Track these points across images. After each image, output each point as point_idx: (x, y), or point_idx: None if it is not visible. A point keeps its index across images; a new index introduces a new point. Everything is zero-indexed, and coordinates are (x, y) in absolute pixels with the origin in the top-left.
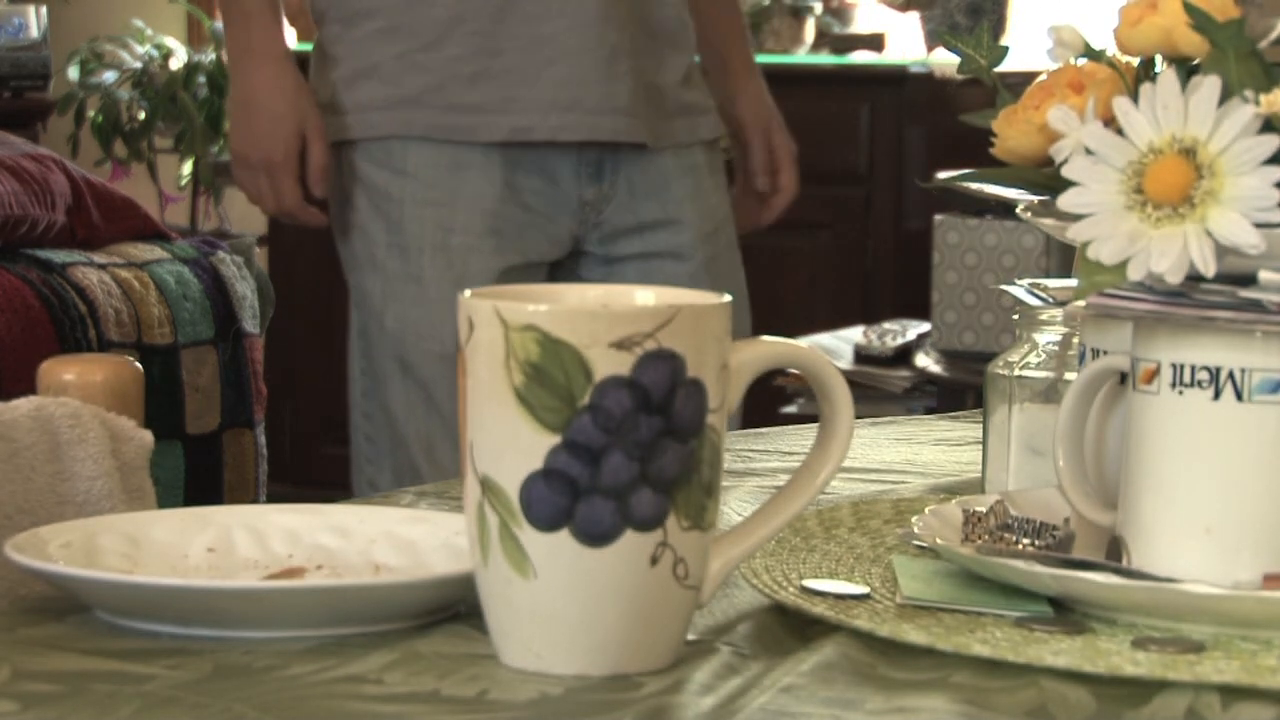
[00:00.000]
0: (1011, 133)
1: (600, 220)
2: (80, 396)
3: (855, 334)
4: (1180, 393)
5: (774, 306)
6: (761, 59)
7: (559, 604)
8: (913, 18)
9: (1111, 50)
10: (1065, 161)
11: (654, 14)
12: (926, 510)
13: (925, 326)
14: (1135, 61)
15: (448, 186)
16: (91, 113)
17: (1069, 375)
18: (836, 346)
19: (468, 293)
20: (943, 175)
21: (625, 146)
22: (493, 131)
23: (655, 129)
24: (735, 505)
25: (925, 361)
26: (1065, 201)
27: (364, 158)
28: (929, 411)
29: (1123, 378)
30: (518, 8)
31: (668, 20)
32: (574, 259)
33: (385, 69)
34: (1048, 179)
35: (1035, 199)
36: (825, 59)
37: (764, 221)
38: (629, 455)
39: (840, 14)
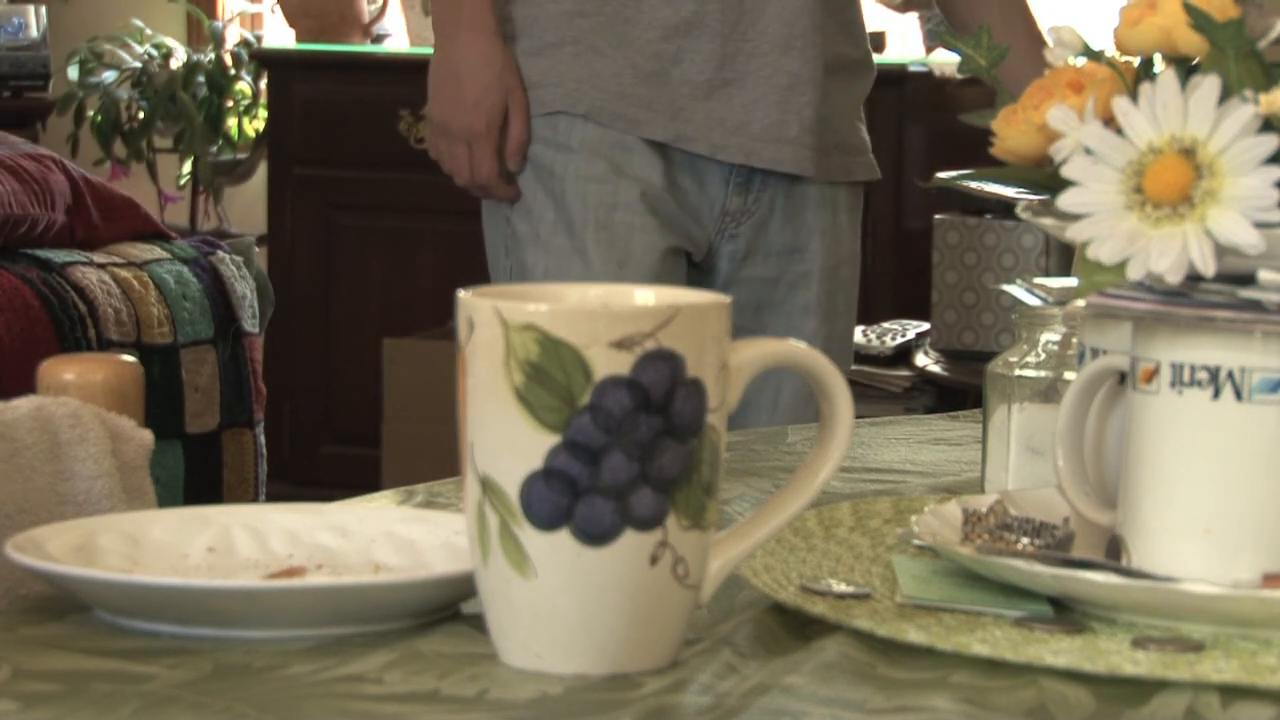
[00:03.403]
0: (1011, 133)
1: (736, 233)
2: (80, 396)
3: (855, 334)
4: (1180, 392)
5: None
6: None
7: (559, 604)
8: (913, 18)
9: (1111, 50)
10: (1065, 161)
11: (840, 47)
12: (926, 510)
13: (925, 326)
14: (1135, 61)
15: (611, 164)
16: (91, 112)
17: (1069, 375)
18: None
19: (467, 292)
20: (943, 175)
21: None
22: (655, 130)
23: (815, 162)
24: (735, 505)
25: (925, 361)
26: (1065, 201)
27: (533, 135)
28: (929, 411)
29: (1122, 378)
30: (705, 24)
31: (851, 54)
32: (706, 267)
33: (564, 50)
34: (1048, 179)
35: (1035, 199)
36: None
37: None
38: (629, 455)
39: None
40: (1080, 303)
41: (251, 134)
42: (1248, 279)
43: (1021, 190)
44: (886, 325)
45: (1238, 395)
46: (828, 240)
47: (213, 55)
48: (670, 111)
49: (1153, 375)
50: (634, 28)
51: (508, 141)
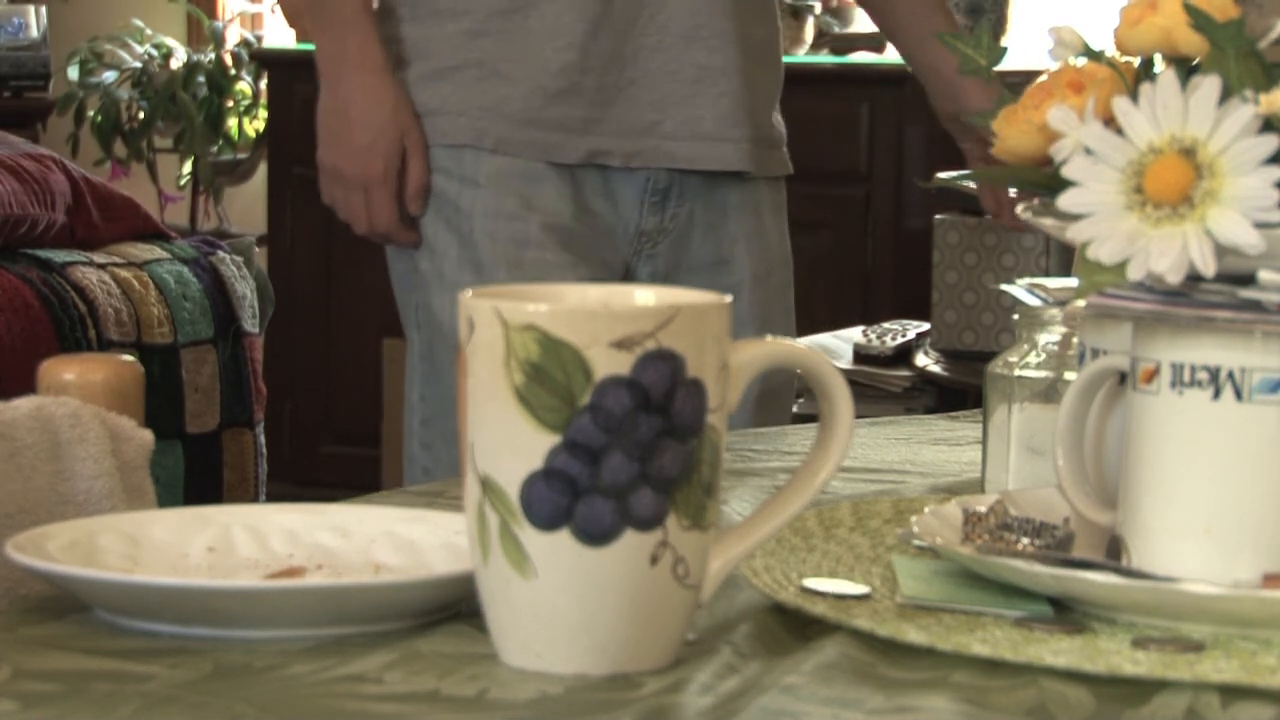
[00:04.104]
0: (1011, 133)
1: (654, 253)
2: (80, 396)
3: (855, 334)
4: (1180, 393)
5: None
6: None
7: (559, 604)
8: None
9: (1111, 50)
10: (1065, 161)
11: (752, 35)
12: (926, 510)
13: (925, 326)
14: (1135, 61)
15: (521, 198)
16: (91, 112)
17: (1069, 375)
18: (836, 346)
19: (468, 292)
20: (943, 175)
21: (693, 176)
22: (568, 153)
23: (741, 156)
24: (735, 505)
25: (925, 361)
26: (1065, 201)
27: (435, 165)
28: (929, 411)
29: (1123, 378)
30: (609, 24)
31: (762, 42)
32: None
33: (466, 74)
34: (1048, 179)
35: (1035, 199)
36: (825, 59)
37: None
38: (629, 455)
39: (840, 14)
40: (1080, 303)
41: (252, 134)
42: (1248, 279)
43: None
44: (886, 325)
45: (1238, 395)
46: (754, 247)
47: (213, 55)
48: (581, 127)
49: (1153, 375)
50: (536, 40)
51: (407, 185)
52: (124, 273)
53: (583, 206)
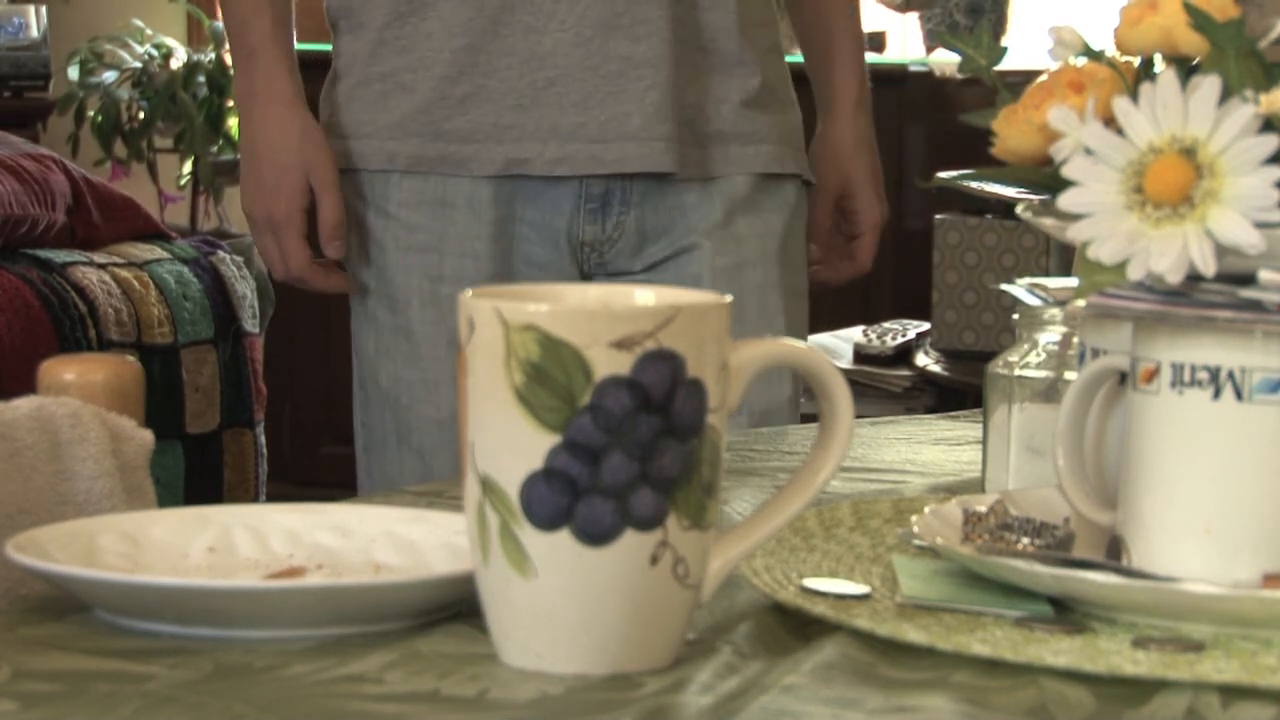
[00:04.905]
0: (1011, 133)
1: (603, 262)
2: (80, 396)
3: (855, 333)
4: (1180, 393)
5: None
6: None
7: (559, 604)
8: (912, 18)
9: (1111, 50)
10: (1065, 161)
11: (699, 22)
12: (926, 510)
13: (925, 326)
14: (1135, 61)
15: (433, 229)
16: (91, 113)
17: (1069, 375)
18: (836, 346)
19: (468, 292)
20: (943, 175)
21: (639, 177)
22: (484, 164)
23: (681, 156)
24: (735, 505)
25: (925, 361)
26: (1065, 201)
27: (354, 192)
28: (929, 411)
29: (1123, 378)
30: (514, 18)
31: (717, 30)
32: None
33: (371, 89)
34: (1048, 179)
35: (1035, 199)
36: None
37: (826, 280)
38: (629, 455)
39: None
40: (1080, 303)
41: None
42: (1248, 279)
43: (1021, 190)
44: (887, 325)
45: (1238, 395)
46: (720, 241)
47: (213, 55)
48: (494, 135)
49: (1153, 375)
50: (435, 42)
51: (319, 224)
52: (124, 273)
53: (506, 228)
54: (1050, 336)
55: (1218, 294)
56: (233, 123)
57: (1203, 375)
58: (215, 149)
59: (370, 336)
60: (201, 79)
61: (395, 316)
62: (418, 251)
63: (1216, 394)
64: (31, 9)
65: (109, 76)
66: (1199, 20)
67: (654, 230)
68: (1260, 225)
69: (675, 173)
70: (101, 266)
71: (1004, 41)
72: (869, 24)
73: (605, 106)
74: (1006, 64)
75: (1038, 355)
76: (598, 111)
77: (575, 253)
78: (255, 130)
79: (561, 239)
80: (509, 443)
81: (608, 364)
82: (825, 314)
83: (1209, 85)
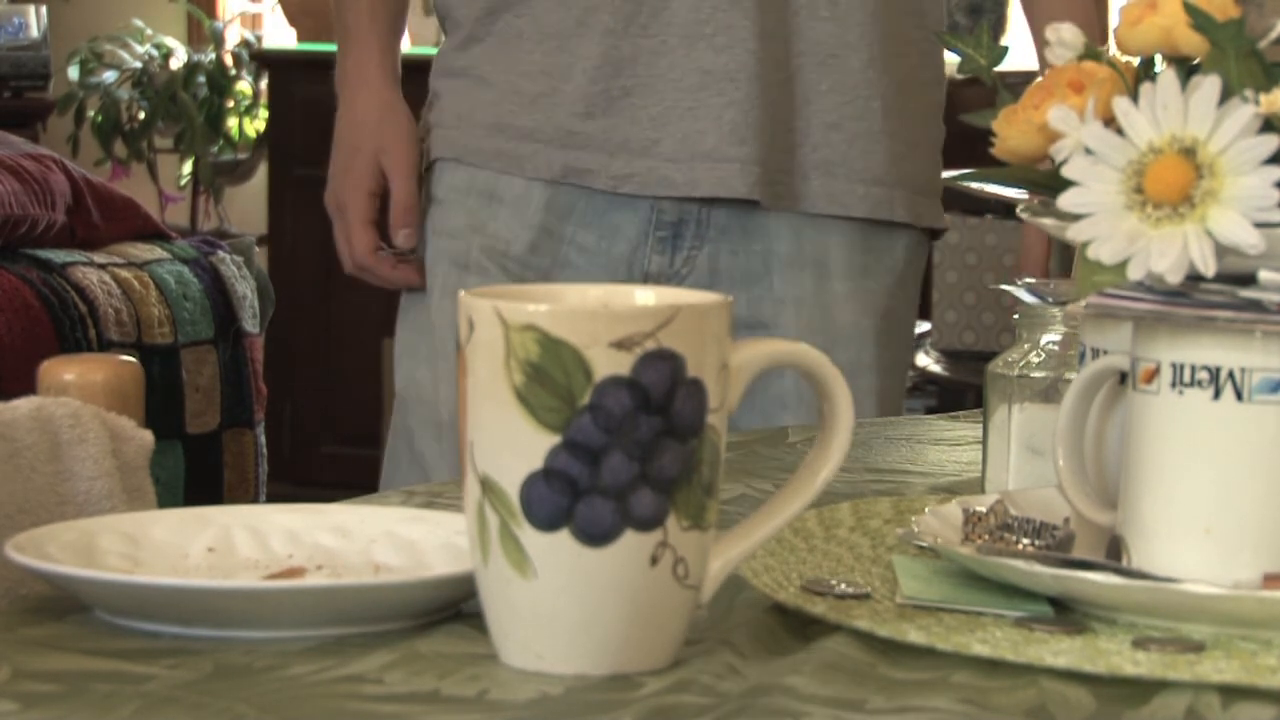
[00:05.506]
0: (1011, 133)
1: None
2: (80, 396)
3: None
4: (1180, 393)
5: None
6: None
7: (559, 604)
8: None
9: (1112, 50)
10: (1065, 161)
11: (806, 34)
12: (926, 510)
13: (926, 326)
14: (1135, 61)
15: (472, 218)
16: (91, 113)
17: (1069, 375)
18: None
19: (467, 292)
20: (943, 175)
21: (717, 206)
22: (540, 167)
23: (764, 183)
24: (735, 505)
25: (925, 361)
26: (1065, 201)
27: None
28: (929, 411)
29: (1123, 378)
30: (596, 19)
31: (833, 45)
32: None
33: (456, 83)
34: (1048, 179)
35: (1035, 199)
36: None
37: None
38: (629, 455)
39: None
40: (1080, 303)
41: (252, 134)
42: (1248, 279)
43: (1022, 190)
44: None
45: (1238, 395)
46: (807, 315)
47: (213, 55)
48: (558, 139)
49: (1153, 375)
50: (523, 42)
51: (390, 209)
52: (124, 273)
53: (556, 236)
54: (1050, 336)
55: (1218, 294)
56: (233, 123)
57: (1203, 375)
58: (215, 149)
59: (400, 332)
60: (201, 79)
61: (415, 303)
62: (449, 236)
63: (1216, 394)
64: (31, 9)
65: (109, 76)
66: (1199, 20)
67: (729, 272)
68: (1260, 225)
69: (758, 202)
70: (101, 266)
71: (1004, 41)
72: None
73: (682, 123)
74: (1006, 64)
75: (1038, 355)
76: (674, 128)
77: (636, 283)
78: (342, 111)
79: (620, 268)
80: (509, 443)
81: (608, 364)
82: None
83: (1209, 85)
